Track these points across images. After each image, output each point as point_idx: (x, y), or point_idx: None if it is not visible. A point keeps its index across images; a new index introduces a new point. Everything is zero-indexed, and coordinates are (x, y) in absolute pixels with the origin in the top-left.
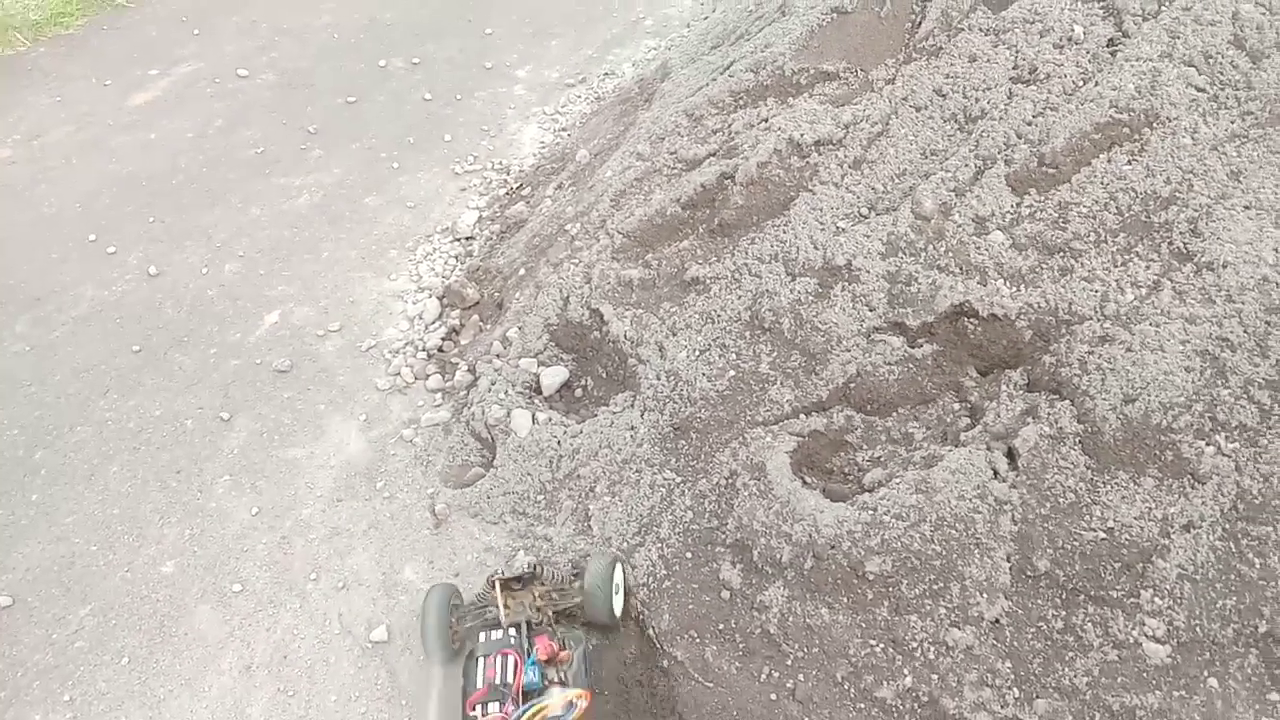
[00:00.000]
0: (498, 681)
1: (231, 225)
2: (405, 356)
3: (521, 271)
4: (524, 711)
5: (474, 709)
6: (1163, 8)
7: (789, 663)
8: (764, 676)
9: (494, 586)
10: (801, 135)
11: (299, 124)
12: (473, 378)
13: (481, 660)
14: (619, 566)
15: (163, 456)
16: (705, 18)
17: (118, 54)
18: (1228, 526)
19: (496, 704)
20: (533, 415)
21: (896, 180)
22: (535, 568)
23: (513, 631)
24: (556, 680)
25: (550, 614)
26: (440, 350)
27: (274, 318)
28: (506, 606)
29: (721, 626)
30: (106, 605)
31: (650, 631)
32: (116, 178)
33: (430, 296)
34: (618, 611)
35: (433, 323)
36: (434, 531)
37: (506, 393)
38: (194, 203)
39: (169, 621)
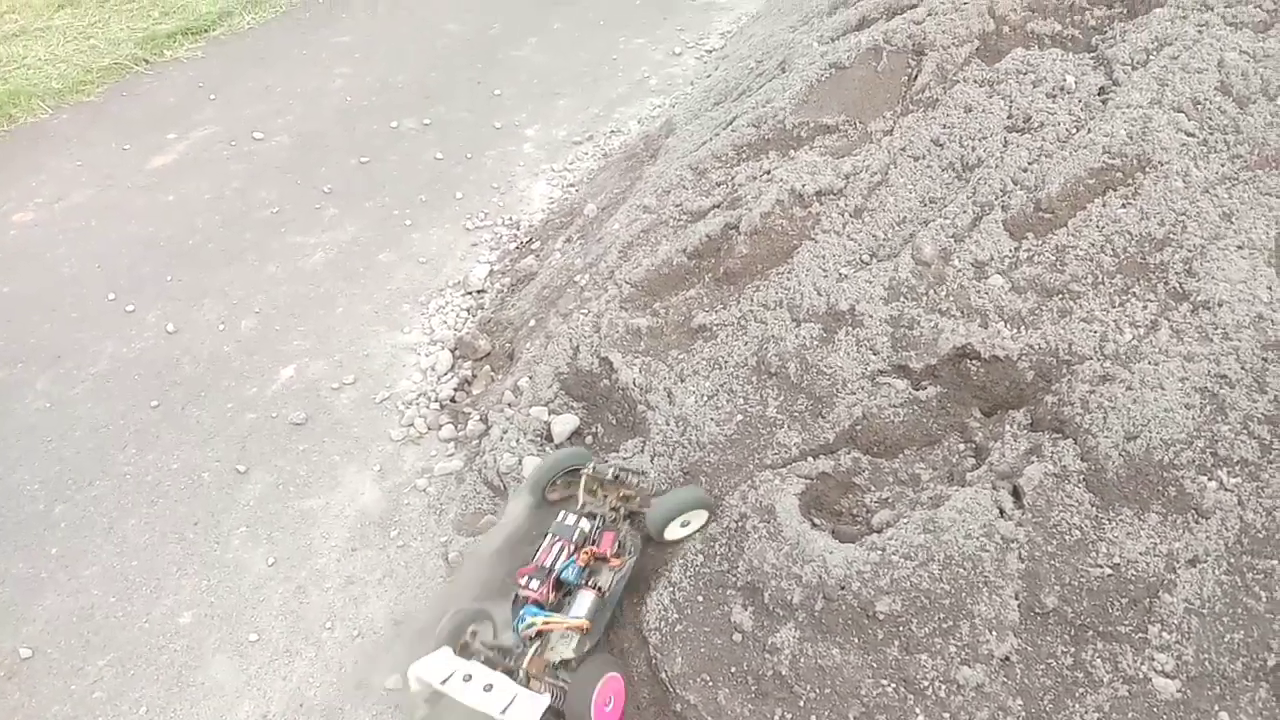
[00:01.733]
0: (547, 564)
1: (248, 283)
2: (418, 407)
3: (532, 322)
4: (531, 618)
5: (521, 579)
6: (1151, 57)
7: (801, 704)
8: (777, 718)
9: (582, 479)
10: (803, 186)
11: (314, 184)
12: (485, 427)
13: (548, 538)
14: (702, 511)
15: (180, 509)
16: (708, 76)
17: (136, 119)
18: (1232, 561)
19: (537, 582)
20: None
21: (897, 228)
22: (622, 473)
23: (584, 523)
24: (596, 588)
25: (624, 514)
26: (453, 401)
27: (289, 372)
28: (588, 496)
29: (734, 669)
30: (125, 656)
31: (663, 675)
32: (135, 238)
33: (442, 349)
34: (669, 537)
35: (445, 374)
36: (448, 579)
37: (518, 441)
38: (211, 261)
39: (186, 671)
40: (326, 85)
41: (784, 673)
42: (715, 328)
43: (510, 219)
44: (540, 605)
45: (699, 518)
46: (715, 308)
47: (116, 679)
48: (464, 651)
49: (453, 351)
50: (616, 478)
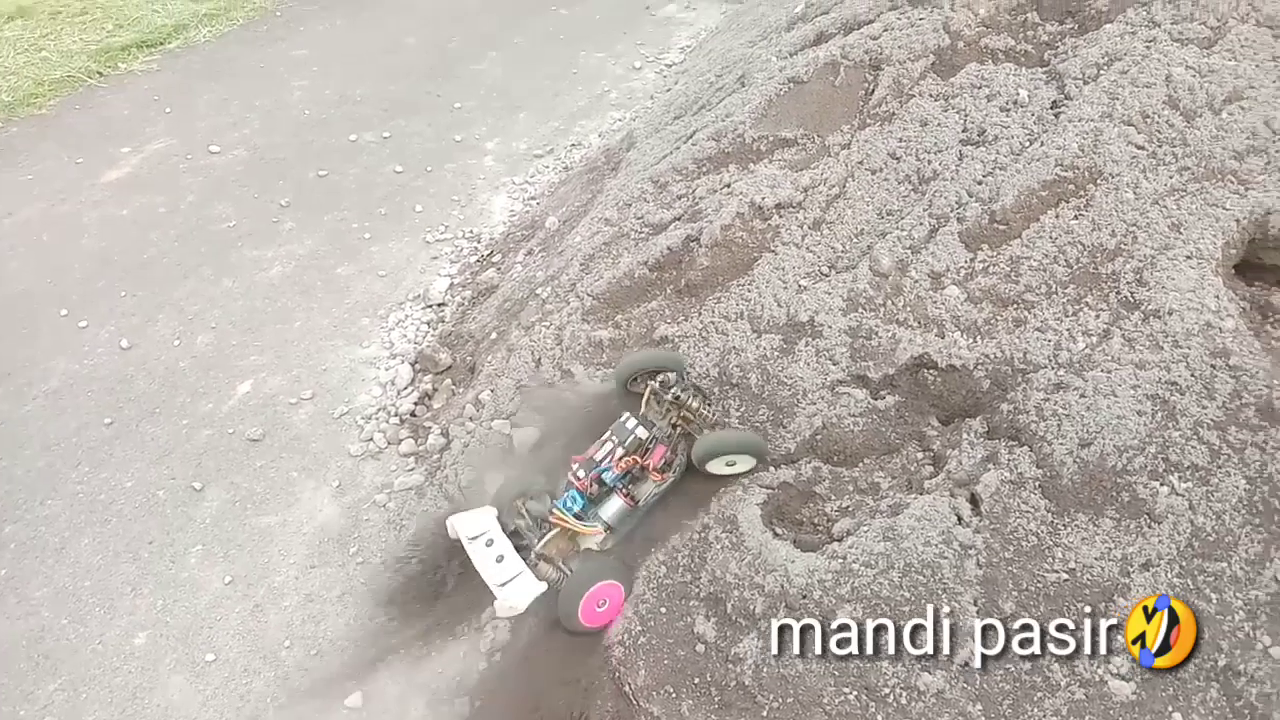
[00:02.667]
0: (596, 458)
1: (204, 297)
2: (378, 422)
3: (493, 335)
4: (559, 509)
5: (574, 464)
6: (1101, 72)
7: (764, 713)
8: None
9: (647, 389)
10: (763, 199)
11: (271, 198)
12: (446, 441)
13: (608, 433)
14: (750, 457)
15: (134, 528)
16: (668, 90)
17: (90, 132)
18: (1184, 564)
19: (584, 472)
20: (505, 477)
21: (855, 239)
22: (684, 395)
23: (641, 431)
24: (629, 495)
25: (680, 434)
26: (413, 415)
27: (246, 388)
28: (647, 405)
29: (697, 680)
30: (77, 679)
31: (627, 688)
32: (88, 253)
33: (402, 362)
34: (712, 470)
35: (405, 388)
36: (407, 596)
37: (480, 455)
38: (166, 276)
39: (141, 693)
40: (284, 99)
41: (747, 683)
42: (677, 339)
43: (471, 232)
44: (582, 494)
45: (746, 462)
46: (677, 319)
47: (68, 703)
48: (513, 515)
49: (413, 365)
50: (677, 399)
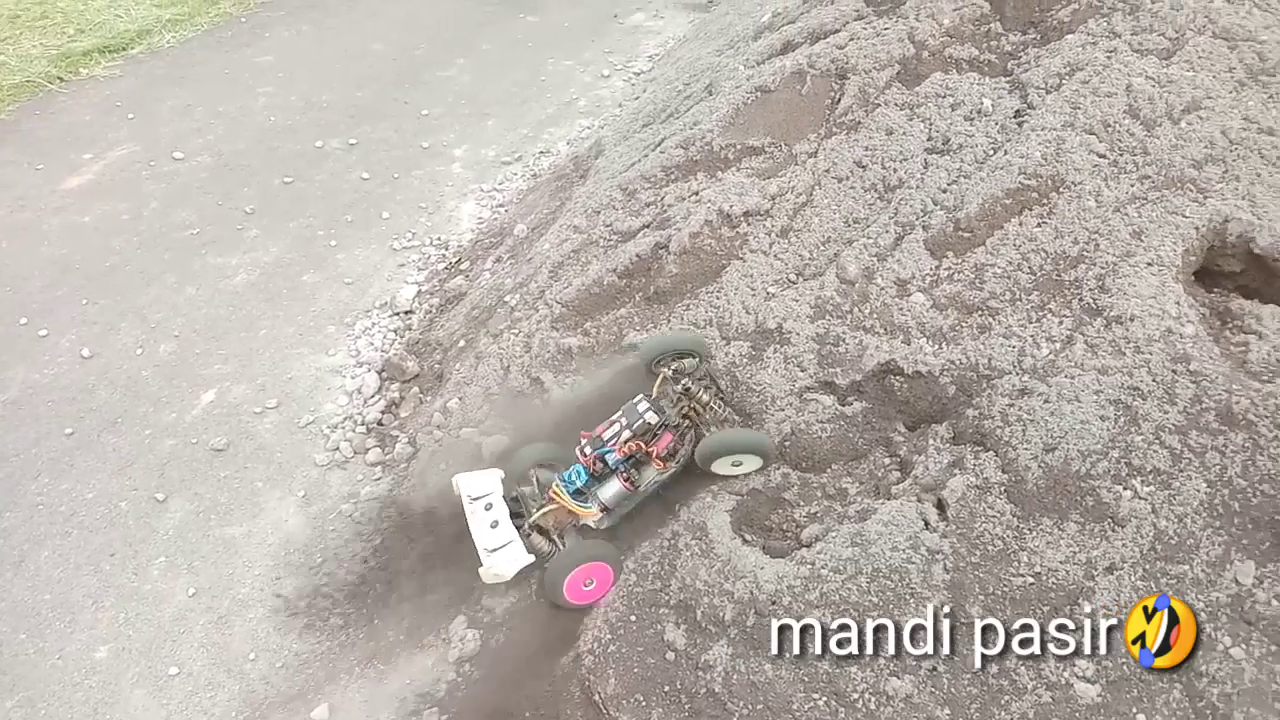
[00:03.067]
0: (604, 437)
1: (167, 306)
2: (344, 431)
3: (461, 343)
4: (557, 484)
5: (583, 439)
6: (1064, 81)
7: None
8: None
9: (660, 376)
10: (731, 206)
11: (235, 205)
12: (413, 450)
13: (619, 412)
14: (755, 457)
15: (96, 540)
16: (636, 98)
17: (50, 138)
18: (1147, 567)
19: (591, 448)
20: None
21: (822, 247)
22: (694, 387)
23: (651, 416)
24: (629, 479)
25: (688, 424)
26: (380, 424)
27: (210, 397)
28: (661, 393)
29: (667, 688)
30: (35, 695)
31: (596, 697)
32: (49, 261)
33: (369, 371)
34: (717, 470)
35: (372, 397)
36: (374, 607)
37: (447, 463)
38: (128, 284)
39: (102, 709)
40: (249, 105)
41: (717, 690)
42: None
43: (438, 239)
44: (587, 470)
45: (751, 463)
46: (646, 326)
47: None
48: (523, 481)
49: (380, 373)
50: (687, 390)
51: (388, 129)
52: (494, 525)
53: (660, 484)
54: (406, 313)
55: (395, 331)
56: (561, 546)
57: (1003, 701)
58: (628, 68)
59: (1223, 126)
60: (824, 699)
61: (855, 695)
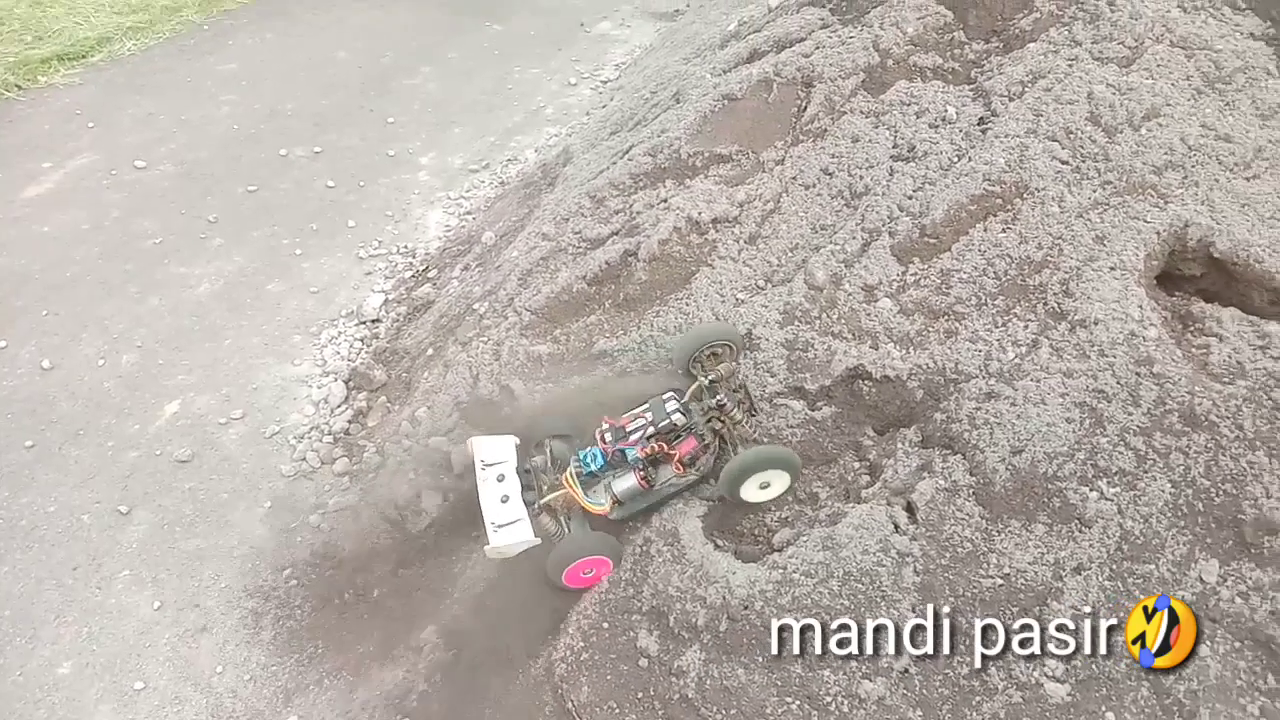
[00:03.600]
0: (627, 429)
1: (129, 316)
2: (311, 441)
3: (429, 351)
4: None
5: (604, 424)
6: (1026, 89)
7: None
8: None
9: (699, 382)
10: (699, 214)
11: (199, 213)
12: (381, 459)
13: (645, 405)
14: (783, 473)
15: (58, 553)
16: (604, 106)
17: (9, 147)
18: (1114, 567)
19: (611, 436)
20: (444, 495)
21: (790, 254)
22: (727, 400)
23: (678, 417)
24: (645, 476)
25: (713, 433)
26: (347, 434)
27: (174, 408)
28: (695, 399)
29: (640, 695)
30: None
31: (570, 705)
32: (8, 271)
33: (336, 380)
34: (748, 498)
35: (338, 406)
36: (343, 618)
37: (416, 472)
38: (90, 295)
39: None
40: (212, 113)
41: (690, 695)
42: (616, 353)
43: (405, 247)
44: (604, 455)
45: (780, 480)
46: (616, 333)
47: None
48: (537, 450)
49: (346, 383)
50: (721, 406)
51: (353, 137)
52: (504, 499)
53: (675, 488)
54: (373, 321)
55: (362, 340)
56: (568, 529)
57: (974, 702)
58: (595, 76)
59: (1182, 133)
60: (797, 703)
61: (828, 699)
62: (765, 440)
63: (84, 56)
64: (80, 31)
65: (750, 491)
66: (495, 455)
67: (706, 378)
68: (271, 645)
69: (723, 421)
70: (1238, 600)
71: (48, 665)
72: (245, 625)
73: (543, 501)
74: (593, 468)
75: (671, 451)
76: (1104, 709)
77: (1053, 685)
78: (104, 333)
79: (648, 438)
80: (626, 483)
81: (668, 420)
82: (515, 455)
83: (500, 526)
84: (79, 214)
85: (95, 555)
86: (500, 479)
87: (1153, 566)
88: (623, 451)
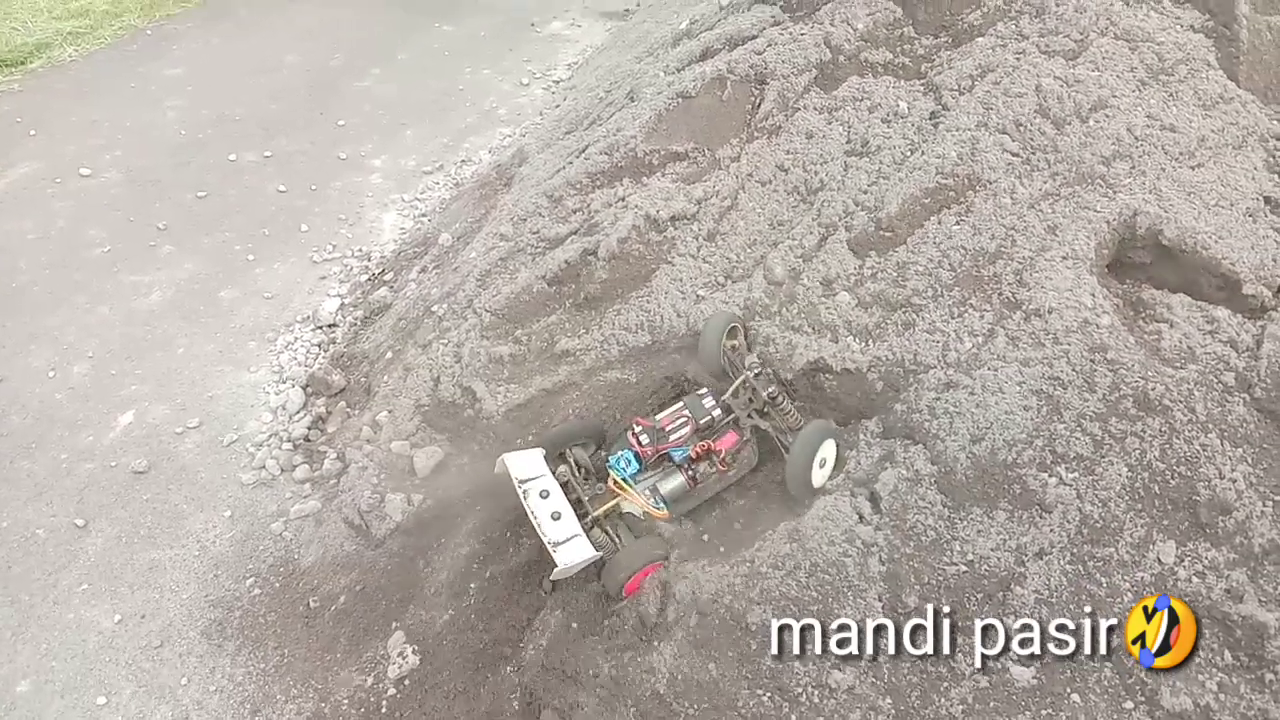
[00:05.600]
0: (666, 429)
1: (79, 326)
2: (270, 449)
3: (389, 355)
4: (618, 476)
5: (636, 426)
6: (976, 83)
7: None
8: None
9: (743, 375)
10: (657, 211)
11: (147, 221)
12: (343, 465)
13: (681, 403)
14: (830, 443)
15: (12, 570)
16: (557, 106)
17: None
18: (1075, 551)
19: (648, 437)
20: (407, 498)
21: (748, 250)
22: (779, 396)
23: (717, 412)
24: (691, 475)
25: (754, 427)
26: (306, 440)
27: (128, 418)
28: (735, 395)
29: (611, 692)
30: None
31: (539, 706)
32: None
33: (293, 386)
34: (818, 485)
35: (297, 412)
36: (308, 627)
37: (379, 477)
38: (37, 305)
39: None
40: (158, 119)
41: (662, 691)
42: (579, 352)
43: (360, 250)
44: (639, 458)
45: (829, 450)
46: (578, 333)
47: None
48: (559, 459)
49: (305, 388)
50: (774, 398)
51: (303, 140)
52: (555, 516)
53: (719, 485)
54: (330, 326)
55: (319, 345)
56: (617, 539)
57: (942, 689)
58: (547, 76)
59: (1128, 124)
60: (768, 695)
61: (799, 690)
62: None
63: (22, 63)
64: (16, 37)
65: (819, 477)
66: (528, 470)
67: (751, 372)
68: (237, 656)
69: (769, 414)
70: (1194, 580)
71: (6, 684)
72: (209, 636)
73: (596, 514)
74: (628, 472)
75: (716, 448)
76: (1069, 690)
77: (1019, 669)
78: (54, 344)
79: (690, 434)
80: (673, 483)
81: (708, 416)
82: (546, 468)
83: (559, 545)
84: (24, 223)
85: (51, 570)
86: (544, 495)
87: (1112, 549)
88: (666, 455)
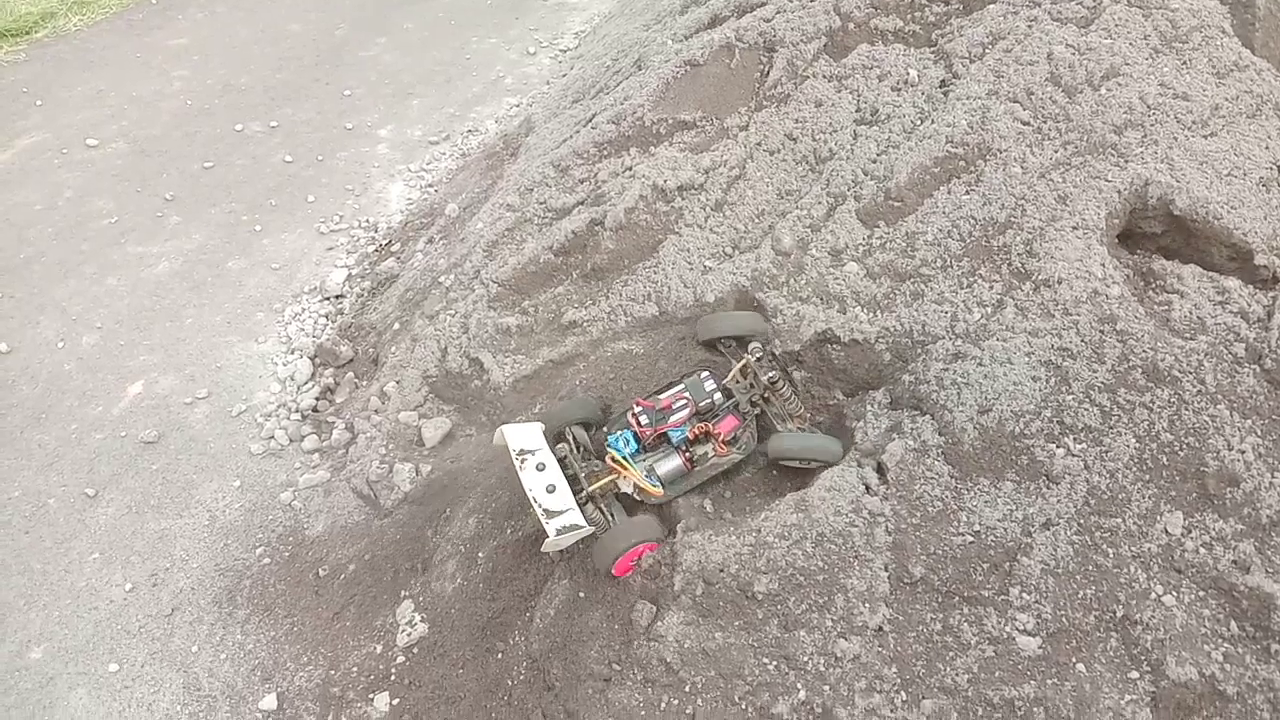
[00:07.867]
0: (671, 408)
1: (87, 297)
2: (278, 419)
3: (396, 326)
4: (615, 452)
5: (636, 407)
6: (987, 50)
7: (687, 689)
8: (664, 705)
9: (745, 358)
10: (665, 181)
11: (155, 191)
12: (351, 435)
13: (680, 386)
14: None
15: (24, 539)
16: (564, 75)
17: None
18: (1082, 521)
19: (647, 418)
20: (415, 468)
21: (756, 220)
22: (782, 383)
23: (718, 396)
24: (689, 457)
25: (756, 412)
26: (315, 410)
27: (137, 389)
28: (738, 379)
29: (619, 662)
30: None
31: (549, 675)
32: None
33: (301, 357)
34: (788, 464)
35: (305, 383)
36: (318, 595)
37: (387, 448)
38: (46, 276)
39: (39, 711)
40: (164, 89)
41: (669, 659)
42: (586, 323)
43: (367, 221)
44: (639, 439)
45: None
46: (585, 304)
47: None
48: (557, 437)
49: (313, 359)
50: (774, 383)
51: (310, 110)
52: (550, 489)
53: (717, 469)
54: (337, 297)
55: (326, 316)
56: (611, 516)
57: (948, 658)
58: (554, 45)
59: (1140, 92)
60: (774, 663)
61: (805, 658)
62: (806, 418)
63: (28, 33)
64: (22, 7)
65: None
66: (529, 443)
67: (753, 356)
68: (247, 624)
69: (770, 400)
70: (1201, 551)
71: (18, 651)
72: (219, 604)
73: (590, 490)
74: (626, 451)
75: (716, 431)
76: (1074, 660)
77: (1024, 639)
78: (62, 314)
79: (690, 416)
80: (670, 464)
81: (709, 399)
82: (545, 443)
83: (552, 517)
84: (31, 194)
85: (63, 539)
86: (540, 468)
87: (1119, 520)
88: (664, 436)
